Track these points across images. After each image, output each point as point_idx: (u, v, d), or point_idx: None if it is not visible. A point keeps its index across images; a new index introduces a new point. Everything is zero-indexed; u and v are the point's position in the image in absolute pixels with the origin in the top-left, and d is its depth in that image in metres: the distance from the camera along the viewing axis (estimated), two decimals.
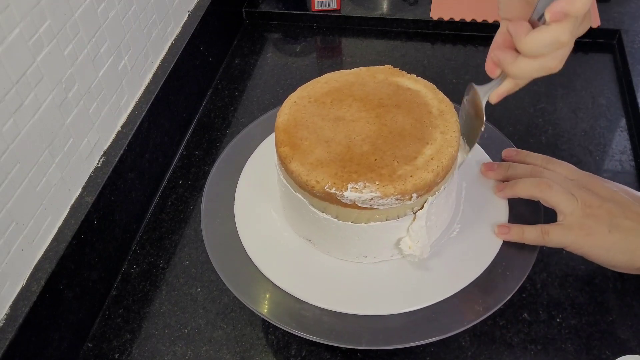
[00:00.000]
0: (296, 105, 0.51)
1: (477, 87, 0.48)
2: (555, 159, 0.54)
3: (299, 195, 0.48)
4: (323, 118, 0.49)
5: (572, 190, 0.50)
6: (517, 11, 0.43)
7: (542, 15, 0.39)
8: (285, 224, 0.54)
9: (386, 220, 0.47)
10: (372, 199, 0.44)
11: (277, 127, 0.49)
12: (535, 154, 0.56)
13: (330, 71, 0.54)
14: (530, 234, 0.50)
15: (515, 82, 0.46)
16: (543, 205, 0.52)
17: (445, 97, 0.51)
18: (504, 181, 0.55)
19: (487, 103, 0.47)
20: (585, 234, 0.48)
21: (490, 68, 0.46)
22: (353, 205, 0.45)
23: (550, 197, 0.50)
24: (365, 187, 0.44)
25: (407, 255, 0.49)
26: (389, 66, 0.54)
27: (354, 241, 0.49)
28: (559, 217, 0.50)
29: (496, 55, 0.44)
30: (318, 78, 0.53)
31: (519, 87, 0.46)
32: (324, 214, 0.47)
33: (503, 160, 0.57)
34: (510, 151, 0.57)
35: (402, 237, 0.48)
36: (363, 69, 0.54)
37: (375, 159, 0.46)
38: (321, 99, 0.51)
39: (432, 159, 0.46)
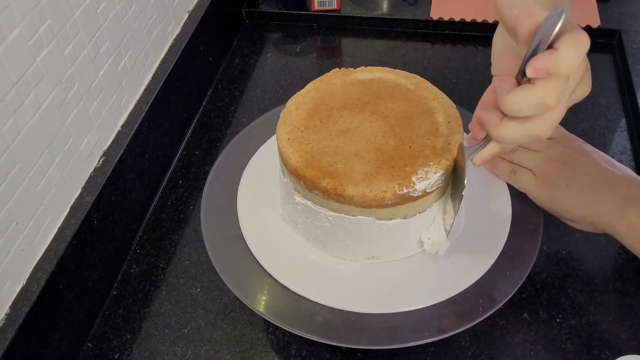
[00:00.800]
0: (293, 140, 0.48)
1: (465, 147, 0.46)
2: None
3: (362, 217, 0.46)
4: (331, 138, 0.48)
5: (542, 147, 0.52)
6: (510, 68, 0.40)
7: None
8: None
9: (443, 195, 0.48)
10: (438, 178, 0.45)
11: (299, 168, 0.46)
12: None
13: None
14: (502, 167, 0.54)
15: (501, 146, 0.44)
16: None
17: (405, 72, 0.53)
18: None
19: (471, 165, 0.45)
20: (544, 186, 0.50)
21: (474, 128, 0.44)
22: (424, 194, 0.46)
23: (511, 157, 0.53)
24: (426, 172, 0.45)
25: (428, 249, 0.50)
26: (336, 69, 0.54)
27: (420, 231, 0.49)
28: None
29: (480, 115, 0.41)
30: (286, 109, 0.51)
31: (505, 151, 0.45)
32: (392, 220, 0.47)
33: None
34: None
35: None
36: (316, 81, 0.53)
37: (410, 146, 0.47)
38: (310, 123, 0.49)
39: (448, 122, 0.49)
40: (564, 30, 0.34)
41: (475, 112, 0.43)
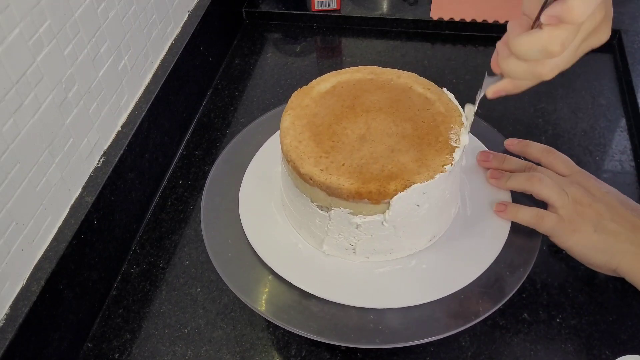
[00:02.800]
0: (328, 169, 0.46)
1: (487, 77, 0.46)
2: (555, 151, 0.55)
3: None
4: (357, 149, 0.47)
5: (564, 186, 0.51)
6: (538, 6, 0.39)
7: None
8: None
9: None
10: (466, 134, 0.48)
11: (358, 189, 0.44)
12: (535, 144, 0.56)
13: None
14: (525, 215, 0.51)
15: (514, 83, 0.44)
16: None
17: (352, 67, 0.54)
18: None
19: (484, 97, 0.46)
20: (572, 230, 0.49)
21: (493, 62, 0.44)
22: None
23: (541, 190, 0.50)
24: (456, 133, 0.48)
25: None
26: (295, 92, 0.53)
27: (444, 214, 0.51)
28: (550, 210, 0.50)
29: (498, 46, 0.42)
30: (290, 147, 0.48)
31: (518, 89, 0.44)
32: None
33: (505, 150, 0.58)
34: (512, 140, 0.58)
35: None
36: (289, 111, 0.51)
37: (423, 121, 0.49)
38: (327, 147, 0.47)
39: (428, 89, 0.51)
40: None
41: (497, 45, 0.44)
